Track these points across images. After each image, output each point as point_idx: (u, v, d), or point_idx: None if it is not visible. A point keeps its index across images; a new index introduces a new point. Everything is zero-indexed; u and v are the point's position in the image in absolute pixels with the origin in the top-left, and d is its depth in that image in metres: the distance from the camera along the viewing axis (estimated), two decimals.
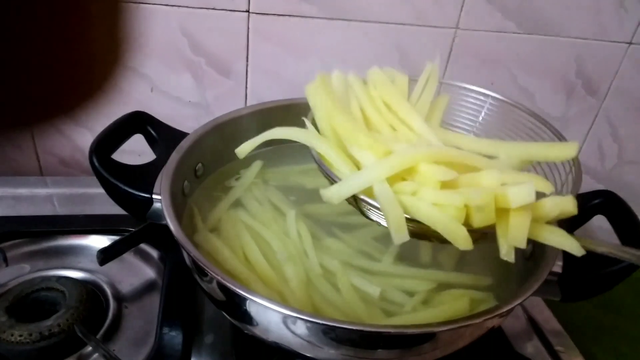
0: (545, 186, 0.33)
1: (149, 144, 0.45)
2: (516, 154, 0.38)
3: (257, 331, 0.33)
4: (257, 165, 0.48)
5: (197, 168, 0.44)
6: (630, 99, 0.67)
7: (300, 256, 0.39)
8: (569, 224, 0.40)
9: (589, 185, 0.75)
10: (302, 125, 0.52)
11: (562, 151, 0.37)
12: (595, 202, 0.41)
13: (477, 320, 0.29)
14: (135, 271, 0.46)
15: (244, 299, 0.30)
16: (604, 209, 0.41)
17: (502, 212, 0.29)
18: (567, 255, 0.36)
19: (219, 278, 0.30)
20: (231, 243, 0.39)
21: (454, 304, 0.36)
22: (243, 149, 0.40)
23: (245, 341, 0.40)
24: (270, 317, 0.31)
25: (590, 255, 0.35)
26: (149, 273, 0.46)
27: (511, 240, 0.29)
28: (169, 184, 0.37)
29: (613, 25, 0.61)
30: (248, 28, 0.56)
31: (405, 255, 0.42)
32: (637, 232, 0.37)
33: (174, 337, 0.38)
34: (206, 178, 0.46)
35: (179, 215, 0.37)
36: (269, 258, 0.39)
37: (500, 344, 0.42)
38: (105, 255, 0.42)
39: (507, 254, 0.29)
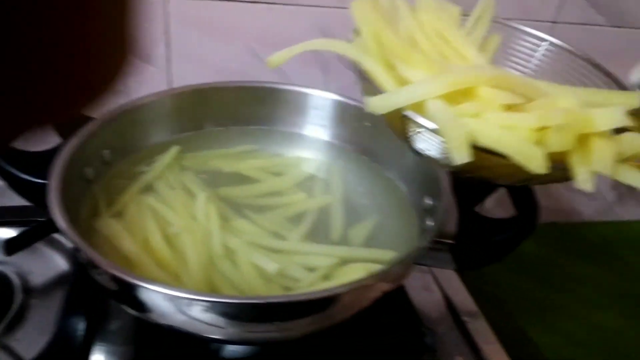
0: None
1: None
2: (576, 100, 0.32)
3: (152, 317, 0.33)
4: (173, 150, 0.48)
5: (104, 154, 0.44)
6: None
7: (205, 238, 0.39)
8: (473, 199, 0.41)
9: None
10: (221, 112, 0.53)
11: (626, 99, 0.33)
12: None
13: (343, 290, 0.30)
14: (48, 262, 0.45)
15: (129, 284, 0.30)
16: None
17: (581, 138, 0.28)
18: (461, 224, 0.37)
19: (100, 263, 0.30)
20: (133, 228, 0.39)
21: (350, 277, 0.36)
22: (275, 59, 0.38)
23: (148, 326, 0.39)
24: (155, 300, 0.31)
25: (481, 222, 0.36)
26: (61, 264, 0.45)
27: (595, 164, 0.26)
28: (60, 169, 0.36)
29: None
30: (166, 12, 0.56)
31: (315, 234, 0.43)
32: (531, 203, 0.38)
33: (76, 324, 0.38)
34: (116, 164, 0.45)
35: (74, 201, 0.36)
36: (172, 242, 0.38)
37: (408, 316, 0.42)
38: (11, 246, 0.41)
39: (585, 181, 0.27)
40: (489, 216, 0.38)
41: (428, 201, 0.41)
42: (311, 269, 0.38)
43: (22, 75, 0.13)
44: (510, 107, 0.30)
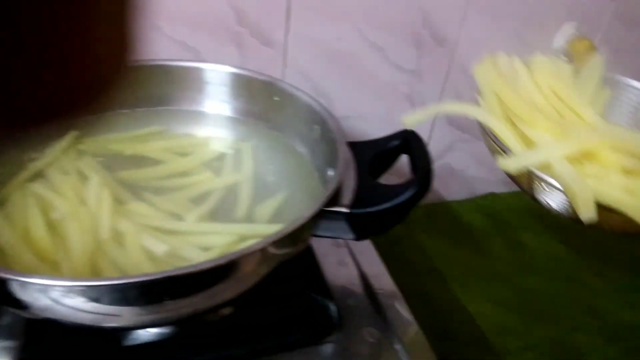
0: None
1: None
2: None
3: (32, 312, 0.31)
4: (70, 136, 0.45)
5: None
6: (479, 45, 0.69)
7: (93, 222, 0.37)
8: (376, 169, 0.41)
9: (457, 136, 0.77)
10: (124, 94, 0.50)
11: None
12: (396, 144, 0.41)
13: (217, 263, 0.29)
14: None
15: None
16: (405, 148, 0.41)
17: None
18: (357, 193, 0.36)
19: None
20: (14, 217, 0.36)
21: None
22: (412, 119, 0.44)
23: (40, 321, 0.37)
24: (26, 293, 0.29)
25: (377, 190, 0.35)
26: None
27: None
28: None
29: None
30: None
31: (218, 213, 0.41)
32: (424, 167, 0.37)
33: None
34: (6, 152, 0.43)
35: None
36: (57, 229, 0.36)
37: (318, 290, 0.42)
38: None
39: None
40: (386, 184, 0.37)
41: (330, 173, 0.40)
42: (206, 249, 0.36)
43: (19, 73, 0.12)
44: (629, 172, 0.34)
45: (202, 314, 0.39)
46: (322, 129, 0.42)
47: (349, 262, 0.46)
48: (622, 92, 0.46)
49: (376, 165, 0.41)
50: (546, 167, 0.35)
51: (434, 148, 0.77)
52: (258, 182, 0.44)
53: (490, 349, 0.60)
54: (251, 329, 0.40)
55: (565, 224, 0.80)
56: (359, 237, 0.36)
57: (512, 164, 0.37)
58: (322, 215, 0.35)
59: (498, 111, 0.41)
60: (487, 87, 0.43)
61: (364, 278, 0.45)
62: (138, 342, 0.39)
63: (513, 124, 0.40)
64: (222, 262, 0.29)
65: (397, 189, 0.35)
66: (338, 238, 0.36)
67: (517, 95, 0.41)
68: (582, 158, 0.35)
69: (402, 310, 0.42)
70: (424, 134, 0.75)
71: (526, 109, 0.39)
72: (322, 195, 0.33)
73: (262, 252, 0.30)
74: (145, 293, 0.30)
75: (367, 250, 0.48)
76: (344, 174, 0.38)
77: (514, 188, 0.87)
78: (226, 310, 0.42)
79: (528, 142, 0.38)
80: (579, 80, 0.45)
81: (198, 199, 0.42)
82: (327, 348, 0.39)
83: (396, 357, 0.38)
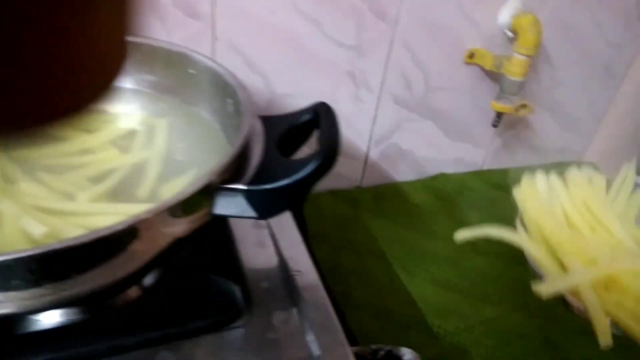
0: None
1: None
2: None
3: None
4: None
5: None
6: (422, 21, 0.67)
7: None
8: (289, 145, 0.38)
9: (403, 115, 0.75)
10: None
11: None
12: (308, 118, 0.39)
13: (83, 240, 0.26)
14: None
15: None
16: (317, 123, 0.39)
17: None
18: (259, 169, 0.34)
19: None
20: None
21: None
22: (462, 236, 0.54)
23: None
24: None
25: (279, 165, 0.33)
26: None
27: None
28: None
29: None
30: None
31: (119, 192, 0.39)
32: (329, 140, 0.35)
33: None
34: None
35: None
36: None
37: (230, 273, 0.39)
38: None
39: None
40: (292, 159, 0.35)
41: None
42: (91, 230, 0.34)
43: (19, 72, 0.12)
44: None
45: (99, 297, 0.37)
46: (235, 103, 0.40)
47: (269, 243, 0.44)
48: None
49: (289, 141, 0.39)
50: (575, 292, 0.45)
51: (380, 128, 0.75)
52: (169, 160, 0.42)
53: (429, 330, 0.59)
54: (156, 315, 0.37)
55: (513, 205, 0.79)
56: (261, 215, 0.34)
57: (545, 289, 0.45)
58: (216, 191, 0.33)
59: (537, 236, 0.50)
60: (528, 212, 0.52)
61: (281, 259, 0.43)
62: (36, 329, 0.36)
63: (550, 249, 0.49)
64: (84, 240, 0.26)
65: (298, 165, 0.33)
66: (241, 217, 0.34)
67: (553, 221, 0.50)
68: (607, 283, 0.44)
69: (318, 294, 0.40)
70: (369, 113, 0.73)
71: (561, 236, 0.48)
72: (212, 173, 0.31)
73: (133, 230, 0.28)
74: (13, 274, 0.27)
75: (289, 231, 0.45)
76: (248, 149, 0.35)
77: (464, 168, 0.86)
78: (133, 294, 0.39)
79: (563, 266, 0.48)
80: (612, 191, 0.55)
81: (98, 178, 0.39)
82: (234, 334, 0.37)
83: (304, 343, 0.37)
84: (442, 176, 0.83)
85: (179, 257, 0.39)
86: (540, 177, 0.55)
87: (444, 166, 0.83)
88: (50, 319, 0.37)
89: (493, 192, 0.82)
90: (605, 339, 0.42)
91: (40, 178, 0.38)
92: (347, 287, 0.63)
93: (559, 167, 0.90)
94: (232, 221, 0.46)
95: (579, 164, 0.92)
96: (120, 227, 0.28)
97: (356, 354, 0.46)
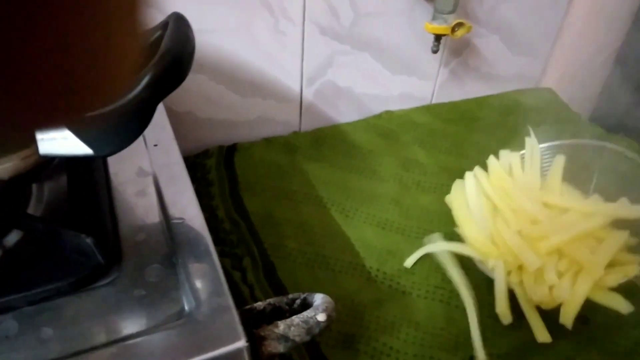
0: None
1: None
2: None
3: None
4: None
5: None
6: None
7: None
8: None
9: (334, 48, 0.68)
10: None
11: None
12: (160, 34, 0.32)
13: None
14: None
15: None
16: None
17: None
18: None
19: None
20: None
21: None
22: (410, 261, 0.55)
23: None
24: None
25: None
26: None
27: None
28: None
29: None
30: None
31: None
32: (168, 48, 0.29)
33: None
34: None
35: None
36: None
37: (87, 226, 0.34)
38: None
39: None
40: None
41: None
42: None
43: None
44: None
45: None
46: None
47: (151, 192, 0.39)
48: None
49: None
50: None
51: (310, 64, 0.68)
52: None
53: (367, 274, 0.54)
54: (12, 278, 0.32)
55: (467, 141, 0.74)
56: (97, 151, 0.28)
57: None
58: None
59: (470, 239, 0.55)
60: (457, 217, 0.57)
61: (163, 209, 0.37)
62: None
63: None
64: None
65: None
66: (75, 156, 0.28)
67: (476, 226, 0.55)
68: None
69: (202, 242, 0.34)
70: (295, 48, 0.66)
71: (481, 240, 0.53)
72: None
73: None
74: None
75: (177, 178, 0.40)
76: None
77: (413, 104, 0.80)
78: None
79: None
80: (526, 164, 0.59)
81: None
82: (97, 294, 0.32)
83: (177, 298, 0.31)
84: (387, 113, 0.77)
85: (28, 214, 0.33)
86: (468, 178, 0.59)
87: (390, 103, 0.77)
88: None
89: (443, 126, 0.76)
90: (503, 314, 0.49)
91: None
92: (280, 237, 0.58)
93: (514, 96, 0.84)
94: (113, 172, 0.40)
95: (536, 90, 0.86)
96: None
97: (273, 305, 0.41)
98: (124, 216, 0.36)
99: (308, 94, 0.71)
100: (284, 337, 0.33)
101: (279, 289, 0.53)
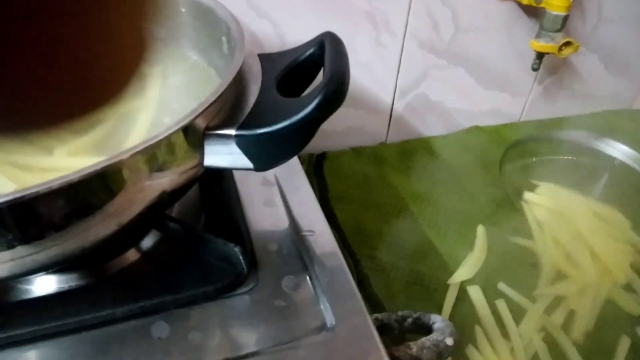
0: None
1: None
2: None
3: None
4: None
5: None
6: None
7: None
8: (293, 85, 0.33)
9: (431, 62, 0.68)
10: None
11: None
12: (312, 51, 0.33)
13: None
14: None
15: None
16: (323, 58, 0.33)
17: None
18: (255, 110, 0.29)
19: None
20: None
21: None
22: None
23: None
24: None
25: (275, 106, 0.28)
26: None
27: None
28: None
29: None
30: None
31: (106, 145, 0.34)
32: (333, 72, 0.29)
33: None
34: None
35: None
36: None
37: (232, 236, 0.35)
38: None
39: None
40: (291, 99, 0.30)
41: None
42: None
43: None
44: None
45: (93, 260, 0.33)
46: (229, 40, 0.35)
47: (277, 201, 0.39)
48: None
49: (293, 80, 0.33)
50: None
51: (405, 77, 0.68)
52: (162, 109, 0.37)
53: (462, 292, 0.54)
54: (152, 282, 0.33)
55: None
56: (257, 165, 0.29)
57: None
58: (203, 137, 0.28)
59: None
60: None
61: (292, 219, 0.38)
62: (25, 297, 0.33)
63: None
64: (51, 185, 0.22)
65: (299, 104, 0.28)
66: (235, 169, 0.29)
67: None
68: None
69: (334, 256, 0.35)
70: (392, 61, 0.66)
71: None
72: (192, 114, 0.26)
73: (106, 178, 0.24)
74: None
75: (301, 189, 0.40)
76: (241, 90, 0.30)
77: (501, 120, 0.78)
78: (131, 258, 0.36)
79: None
80: None
81: (84, 131, 0.35)
82: (237, 301, 0.33)
83: (317, 311, 0.32)
84: (476, 129, 0.76)
85: (174, 218, 0.35)
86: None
87: (479, 119, 0.76)
88: (42, 286, 0.34)
89: (533, 146, 0.75)
90: None
91: (19, 132, 0.34)
92: (372, 249, 0.58)
93: (605, 116, 0.81)
94: (238, 179, 0.41)
95: (629, 112, 0.83)
96: (86, 173, 0.23)
97: (381, 322, 0.41)
98: (254, 225, 0.37)
99: (399, 106, 0.71)
100: (416, 359, 0.33)
101: (375, 304, 0.53)
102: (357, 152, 0.71)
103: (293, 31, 0.59)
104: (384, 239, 0.60)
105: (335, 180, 0.67)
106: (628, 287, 0.54)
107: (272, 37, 0.58)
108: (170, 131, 0.25)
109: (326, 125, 0.71)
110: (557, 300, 0.52)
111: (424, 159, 0.71)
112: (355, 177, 0.68)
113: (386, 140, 0.75)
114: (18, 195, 0.22)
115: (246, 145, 0.28)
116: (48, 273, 0.34)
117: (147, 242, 0.37)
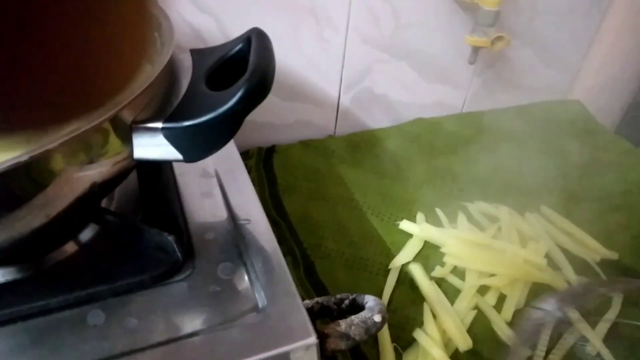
0: None
1: None
2: None
3: None
4: None
5: None
6: None
7: None
8: (223, 83, 0.34)
9: (374, 56, 0.70)
10: None
11: None
12: (241, 47, 0.35)
13: None
14: None
15: None
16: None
17: None
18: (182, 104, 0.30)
19: None
20: None
21: None
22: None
23: None
24: None
25: (202, 99, 0.29)
26: None
27: None
28: None
29: None
30: None
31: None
32: (256, 66, 0.31)
33: None
34: None
35: None
36: None
37: (169, 227, 0.36)
38: None
39: None
40: (219, 92, 0.31)
41: None
42: None
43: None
44: None
45: (31, 253, 0.34)
46: (160, 37, 0.35)
47: (216, 192, 0.41)
48: None
49: (222, 75, 0.35)
50: None
51: (350, 71, 0.70)
52: None
53: (403, 275, 0.56)
54: (90, 273, 0.34)
55: (496, 150, 0.75)
56: (187, 157, 0.30)
57: None
58: (131, 130, 0.29)
59: None
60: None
61: (229, 209, 0.39)
62: None
63: None
64: None
65: (224, 96, 0.29)
66: (165, 160, 0.30)
67: None
68: None
69: (268, 243, 0.37)
70: (336, 54, 0.68)
71: None
72: (118, 106, 0.27)
73: (32, 168, 0.25)
74: None
75: (239, 180, 0.42)
76: (174, 85, 0.31)
77: (444, 112, 0.82)
78: (69, 250, 0.36)
79: None
80: None
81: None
82: (174, 288, 0.34)
83: (250, 295, 0.34)
84: (420, 121, 0.79)
85: (110, 210, 0.36)
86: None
87: (422, 111, 0.79)
88: None
89: (473, 136, 0.78)
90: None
91: None
92: (319, 238, 0.60)
93: (543, 107, 0.86)
94: (178, 173, 0.42)
95: (564, 102, 0.88)
96: (15, 162, 0.24)
97: (321, 305, 0.43)
98: (192, 216, 0.39)
99: (345, 100, 0.73)
100: (346, 336, 0.35)
101: (320, 289, 0.55)
102: (306, 145, 0.73)
103: (236, 27, 0.60)
104: (330, 228, 0.62)
105: (284, 172, 0.68)
106: (552, 265, 0.58)
107: (215, 32, 0.59)
108: (96, 122, 0.26)
109: (275, 119, 0.73)
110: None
111: (370, 151, 0.74)
112: (304, 169, 0.69)
113: (334, 133, 0.77)
114: None
115: (173, 137, 0.29)
116: None
117: (86, 235, 0.37)
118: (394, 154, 0.73)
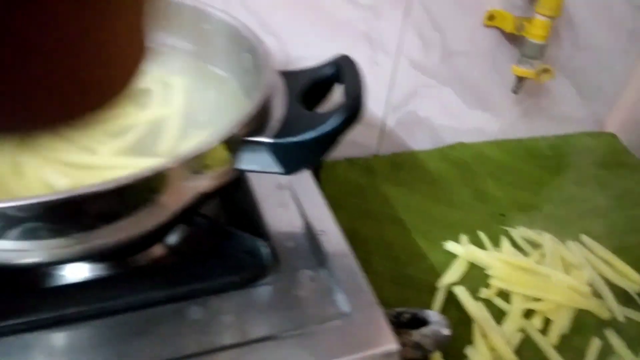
0: None
1: None
2: None
3: None
4: None
5: None
6: None
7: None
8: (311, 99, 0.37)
9: (421, 81, 0.73)
10: None
11: None
12: (330, 72, 0.37)
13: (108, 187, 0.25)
14: None
15: None
16: (339, 76, 0.37)
17: None
18: (284, 122, 0.32)
19: None
20: None
21: None
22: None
23: None
24: None
25: (304, 118, 0.32)
26: None
27: None
28: None
29: None
30: None
31: (139, 148, 0.38)
32: (354, 93, 0.33)
33: None
34: None
35: None
36: None
37: (252, 232, 0.38)
38: None
39: None
40: (316, 112, 0.34)
41: None
42: None
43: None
44: None
45: (125, 252, 0.36)
46: (253, 57, 0.38)
47: (291, 204, 0.43)
48: None
49: (311, 95, 0.37)
50: None
51: (397, 94, 0.73)
52: (187, 118, 0.41)
53: (451, 298, 0.58)
54: (183, 272, 0.37)
55: (535, 177, 0.77)
56: (286, 170, 0.33)
57: None
58: (240, 145, 0.31)
59: None
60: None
61: (305, 220, 0.42)
62: (61, 283, 0.36)
63: None
64: (106, 187, 0.25)
65: (324, 117, 0.32)
66: (266, 172, 0.33)
67: None
68: None
69: (345, 254, 0.39)
70: (385, 78, 0.71)
71: None
72: (235, 125, 0.29)
73: (156, 181, 0.27)
74: (37, 221, 0.26)
75: (310, 193, 0.44)
76: (270, 103, 0.34)
77: (482, 137, 0.84)
78: (158, 252, 0.39)
79: None
80: None
81: (117, 134, 0.38)
82: (261, 291, 0.36)
83: (333, 301, 0.36)
84: (461, 145, 0.81)
85: (202, 214, 0.38)
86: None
87: (462, 135, 0.82)
88: (75, 274, 0.37)
89: (512, 162, 0.80)
90: None
91: (59, 132, 0.37)
92: (366, 253, 0.62)
93: (579, 137, 0.88)
94: (253, 182, 0.45)
95: (599, 134, 0.90)
96: (142, 176, 0.27)
97: None
98: (272, 224, 0.41)
99: (390, 121, 0.76)
100: (419, 345, 0.37)
101: None
102: (351, 162, 0.76)
103: (296, 47, 0.63)
104: (376, 244, 0.64)
105: (331, 189, 0.71)
106: (594, 293, 0.59)
107: (277, 52, 0.63)
108: (217, 141, 0.28)
109: None
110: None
111: (413, 171, 0.76)
112: (349, 186, 0.72)
113: (378, 152, 0.79)
114: (96, 188, 0.25)
115: (278, 151, 0.32)
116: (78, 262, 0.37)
117: (173, 237, 0.40)
118: (436, 176, 0.75)
